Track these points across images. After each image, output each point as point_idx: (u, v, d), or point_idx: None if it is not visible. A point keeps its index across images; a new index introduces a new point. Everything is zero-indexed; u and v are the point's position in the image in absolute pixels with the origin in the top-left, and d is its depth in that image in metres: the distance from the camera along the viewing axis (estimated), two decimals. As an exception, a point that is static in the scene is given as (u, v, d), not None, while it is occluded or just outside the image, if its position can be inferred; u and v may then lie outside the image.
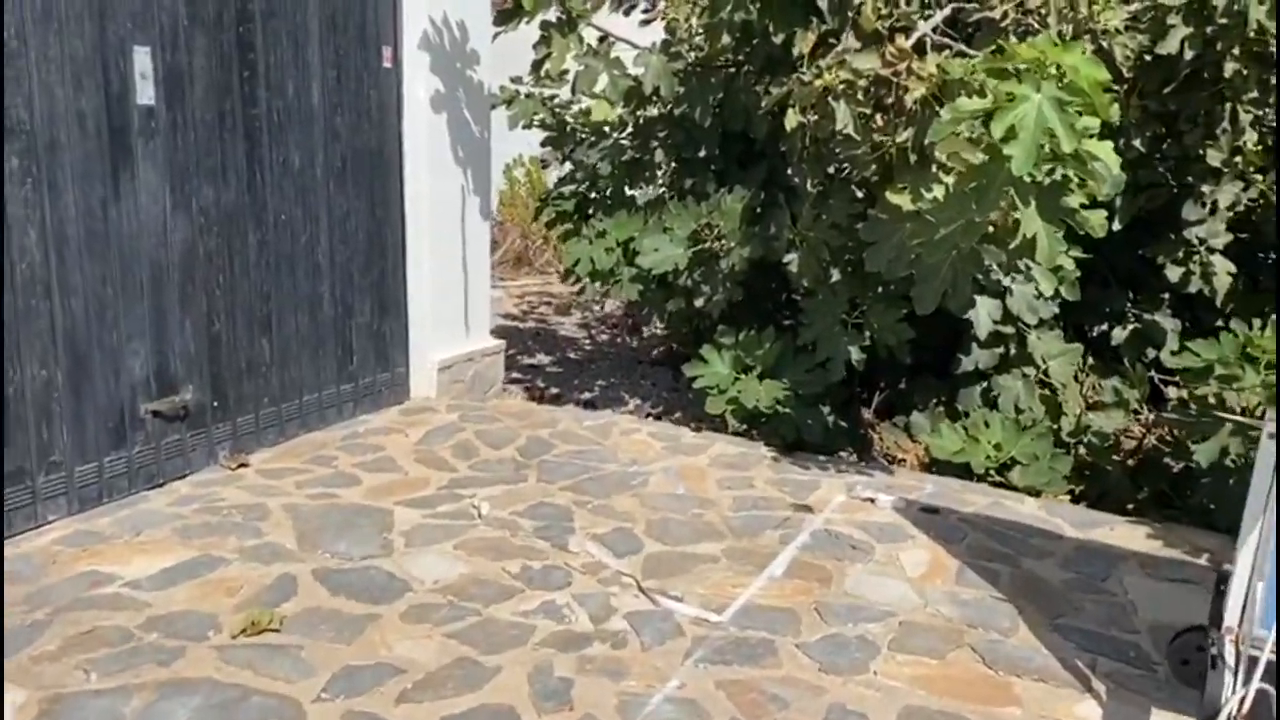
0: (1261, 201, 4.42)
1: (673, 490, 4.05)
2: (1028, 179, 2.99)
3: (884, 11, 4.09)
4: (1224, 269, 4.68)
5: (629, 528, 3.64)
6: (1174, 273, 4.87)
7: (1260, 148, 4.24)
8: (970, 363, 4.90)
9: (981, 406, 4.89)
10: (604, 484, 4.08)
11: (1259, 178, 4.28)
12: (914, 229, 3.62)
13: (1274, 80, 4.00)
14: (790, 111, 3.98)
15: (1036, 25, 3.97)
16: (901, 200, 3.82)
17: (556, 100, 5.52)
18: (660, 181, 5.16)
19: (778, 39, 4.32)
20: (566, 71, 4.81)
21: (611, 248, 5.26)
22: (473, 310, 5.30)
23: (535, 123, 5.59)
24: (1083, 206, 3.33)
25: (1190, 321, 5.14)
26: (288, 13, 4.12)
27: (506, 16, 4.52)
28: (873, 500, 3.99)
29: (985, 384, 4.95)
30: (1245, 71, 3.88)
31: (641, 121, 4.96)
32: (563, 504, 3.85)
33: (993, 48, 3.29)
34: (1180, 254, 4.75)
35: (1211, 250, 4.69)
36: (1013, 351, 4.87)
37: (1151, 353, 5.13)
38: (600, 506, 3.83)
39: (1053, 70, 2.91)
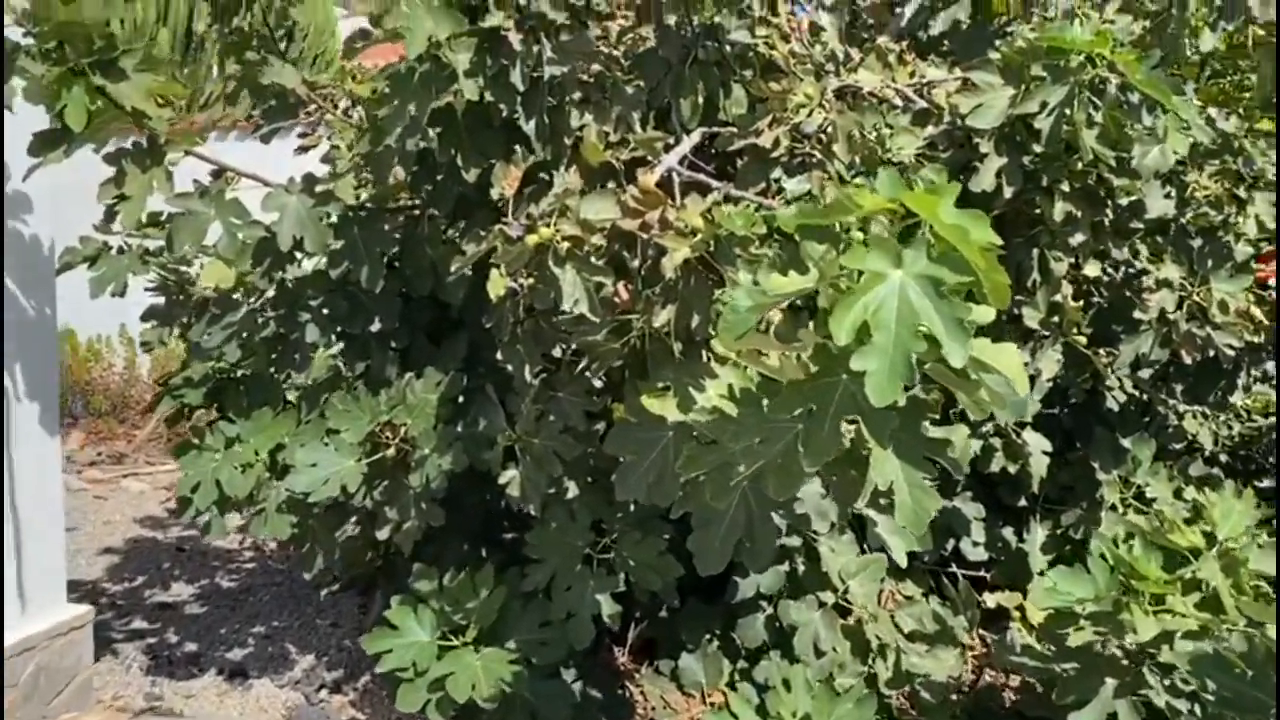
0: (1090, 376, 3.61)
1: None
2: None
3: (614, 138, 2.91)
4: (1038, 447, 3.81)
5: None
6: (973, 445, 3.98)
7: (1080, 304, 3.40)
8: (750, 586, 3.71)
9: (770, 647, 3.69)
10: None
11: (1081, 339, 3.43)
12: (685, 450, 2.37)
13: (1104, 221, 3.18)
14: (494, 274, 2.68)
15: (819, 155, 2.93)
16: (661, 407, 2.59)
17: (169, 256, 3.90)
18: (318, 368, 3.66)
19: (470, 174, 3.03)
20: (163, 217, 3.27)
21: (250, 463, 3.67)
22: (30, 572, 3.49)
23: (146, 285, 3.94)
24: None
25: (994, 506, 4.28)
26: None
27: (47, 143, 2.94)
28: None
29: (771, 610, 3.78)
30: (1078, 213, 3.01)
31: (288, 284, 3.48)
32: None
33: (805, 189, 2.15)
34: (987, 427, 3.85)
35: (1021, 424, 3.82)
36: (801, 568, 3.74)
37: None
38: None
39: (926, 232, 1.78)
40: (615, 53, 3.08)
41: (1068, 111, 2.84)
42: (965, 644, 3.59)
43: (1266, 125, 4.15)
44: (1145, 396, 4.15)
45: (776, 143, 2.89)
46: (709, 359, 2.62)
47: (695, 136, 3.09)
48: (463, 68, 2.79)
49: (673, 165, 2.93)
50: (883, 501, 2.32)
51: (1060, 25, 2.87)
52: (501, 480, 3.25)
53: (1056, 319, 3.41)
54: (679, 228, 2.36)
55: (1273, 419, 4.46)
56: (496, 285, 2.70)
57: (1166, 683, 2.71)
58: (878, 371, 1.74)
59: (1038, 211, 3.16)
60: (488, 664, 3.31)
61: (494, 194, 2.74)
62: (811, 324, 1.91)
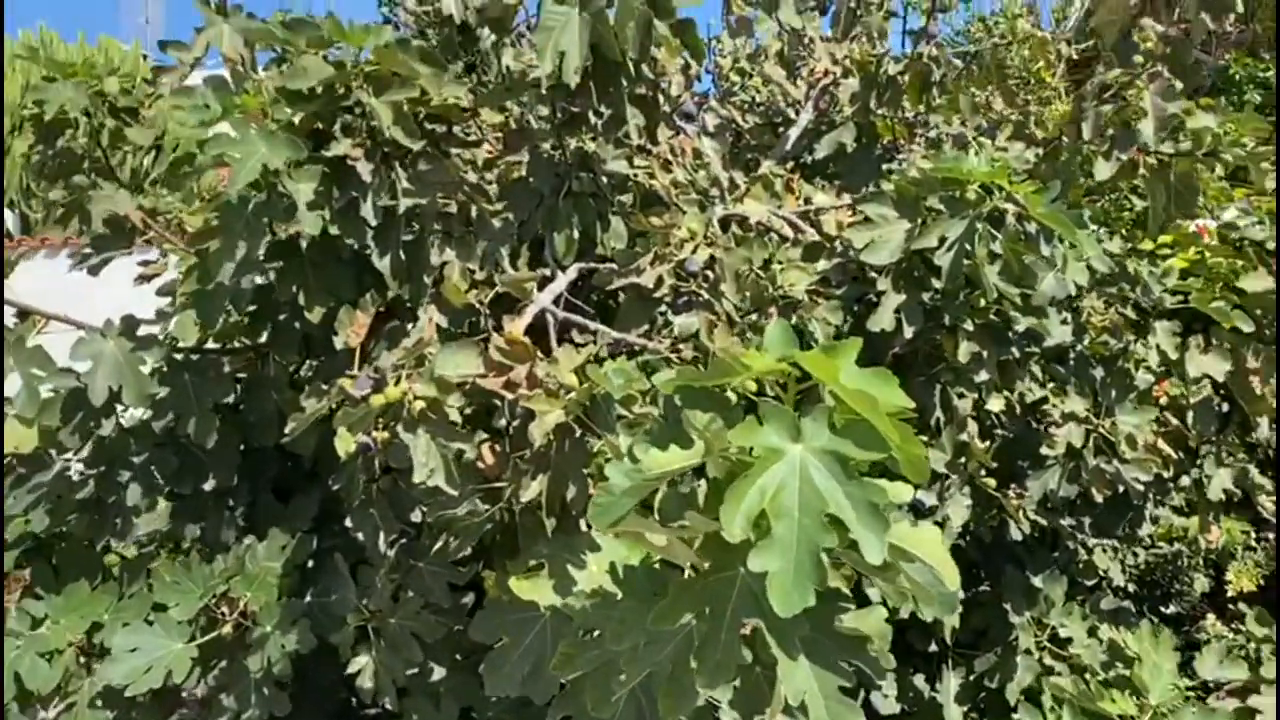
0: (997, 512, 3.38)
1: None
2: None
3: (480, 275, 2.61)
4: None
5: None
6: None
7: (988, 444, 3.19)
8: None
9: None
10: None
11: (990, 481, 3.21)
12: (562, 646, 2.00)
13: (1011, 358, 2.99)
14: (342, 431, 2.30)
15: (705, 294, 2.67)
16: (533, 590, 2.23)
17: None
18: (142, 533, 3.17)
19: (314, 315, 2.67)
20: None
21: (59, 648, 3.13)
22: None
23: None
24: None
25: (904, 653, 3.99)
26: None
27: None
28: None
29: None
30: (983, 352, 2.81)
31: (106, 440, 3.02)
32: None
33: (694, 327, 1.86)
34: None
35: (929, 568, 3.56)
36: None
37: None
38: None
39: (827, 396, 1.50)
40: (482, 182, 2.79)
41: (968, 246, 2.66)
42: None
43: (1148, 245, 4.11)
44: (1053, 530, 3.96)
45: (660, 281, 2.62)
46: (589, 528, 2.28)
47: (571, 273, 2.81)
48: (305, 199, 2.46)
49: (546, 305, 2.63)
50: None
51: (954, 155, 2.72)
52: (351, 668, 2.80)
53: (963, 460, 3.19)
54: (549, 386, 2.05)
55: (1177, 546, 4.31)
56: (345, 442, 2.32)
57: None
58: (781, 573, 1.43)
59: (940, 350, 2.97)
60: None
61: (337, 343, 2.38)
62: (703, 502, 1.60)
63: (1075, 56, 5.14)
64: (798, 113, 3.91)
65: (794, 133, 3.83)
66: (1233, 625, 4.09)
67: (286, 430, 2.39)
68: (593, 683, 1.94)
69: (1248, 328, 3.35)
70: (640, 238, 2.77)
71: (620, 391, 1.98)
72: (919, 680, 4.04)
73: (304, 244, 2.66)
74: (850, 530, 1.43)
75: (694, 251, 2.60)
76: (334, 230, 2.53)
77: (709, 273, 2.65)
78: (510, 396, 2.09)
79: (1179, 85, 3.09)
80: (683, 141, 3.45)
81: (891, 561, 1.58)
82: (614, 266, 2.73)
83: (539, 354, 2.14)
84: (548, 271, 2.80)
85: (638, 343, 2.53)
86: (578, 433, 2.08)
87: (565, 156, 2.86)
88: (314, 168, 2.48)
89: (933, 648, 3.96)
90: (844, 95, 3.81)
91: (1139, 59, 3.17)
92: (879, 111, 3.81)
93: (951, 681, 3.98)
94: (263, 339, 3.12)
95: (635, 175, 2.88)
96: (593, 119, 2.67)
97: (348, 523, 2.70)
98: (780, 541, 1.43)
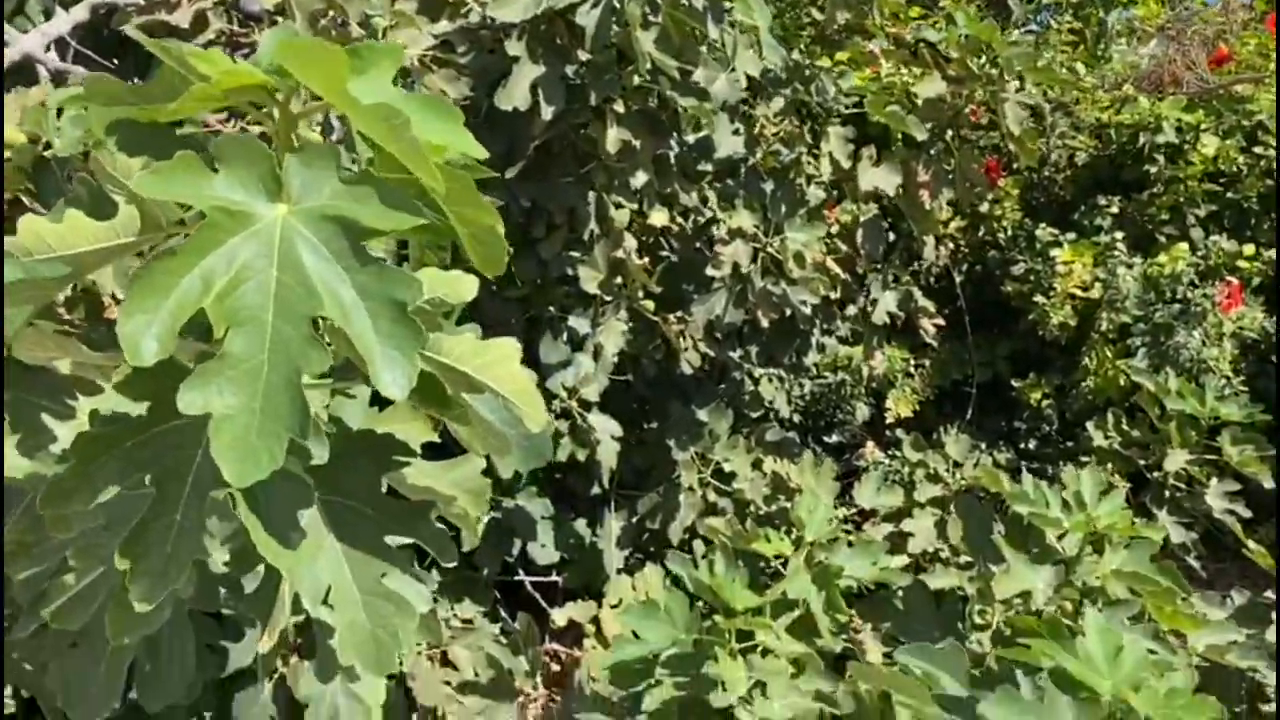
0: (661, 343, 2.98)
1: None
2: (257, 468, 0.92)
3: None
4: (608, 432, 3.17)
5: None
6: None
7: (646, 261, 2.76)
8: (245, 650, 2.72)
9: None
10: None
11: (649, 305, 2.80)
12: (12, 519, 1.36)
13: (668, 156, 2.52)
14: None
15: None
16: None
17: None
18: None
19: None
20: None
21: None
22: None
23: None
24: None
25: (563, 499, 3.62)
26: None
27: None
28: None
29: (275, 678, 2.81)
30: (636, 142, 2.31)
31: None
32: None
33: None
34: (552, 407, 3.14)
35: (587, 405, 3.15)
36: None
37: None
38: None
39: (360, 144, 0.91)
40: None
41: (617, 5, 2.11)
42: (527, 693, 2.88)
43: (826, 62, 3.80)
44: (721, 360, 3.69)
45: (201, 21, 1.87)
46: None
47: (80, 11, 1.99)
48: None
49: (34, 51, 1.82)
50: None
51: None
52: None
53: (620, 279, 2.74)
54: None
55: (841, 376, 4.22)
56: None
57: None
58: (231, 418, 0.85)
59: (591, 141, 2.45)
60: None
61: None
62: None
63: None
64: None
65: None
66: (889, 452, 4.07)
67: None
68: (52, 583, 1.32)
69: (921, 135, 3.11)
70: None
71: (74, 147, 1.28)
72: (580, 525, 3.72)
73: None
74: (357, 343, 0.87)
75: (246, -17, 1.87)
76: None
77: (278, 17, 1.93)
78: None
79: None
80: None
81: (450, 393, 1.05)
82: (139, 3, 1.94)
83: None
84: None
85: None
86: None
87: None
88: None
89: (595, 491, 3.63)
90: None
91: None
92: None
93: (613, 525, 3.68)
94: None
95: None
96: None
97: None
98: (238, 363, 0.85)
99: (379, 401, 1.29)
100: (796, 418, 4.24)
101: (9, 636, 2.24)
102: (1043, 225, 4.31)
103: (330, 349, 0.88)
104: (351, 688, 2.66)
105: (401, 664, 2.78)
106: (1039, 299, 4.11)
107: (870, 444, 4.10)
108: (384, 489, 1.20)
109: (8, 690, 2.28)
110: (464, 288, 1.05)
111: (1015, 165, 4.39)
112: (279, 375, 0.85)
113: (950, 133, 3.38)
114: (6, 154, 1.33)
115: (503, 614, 3.38)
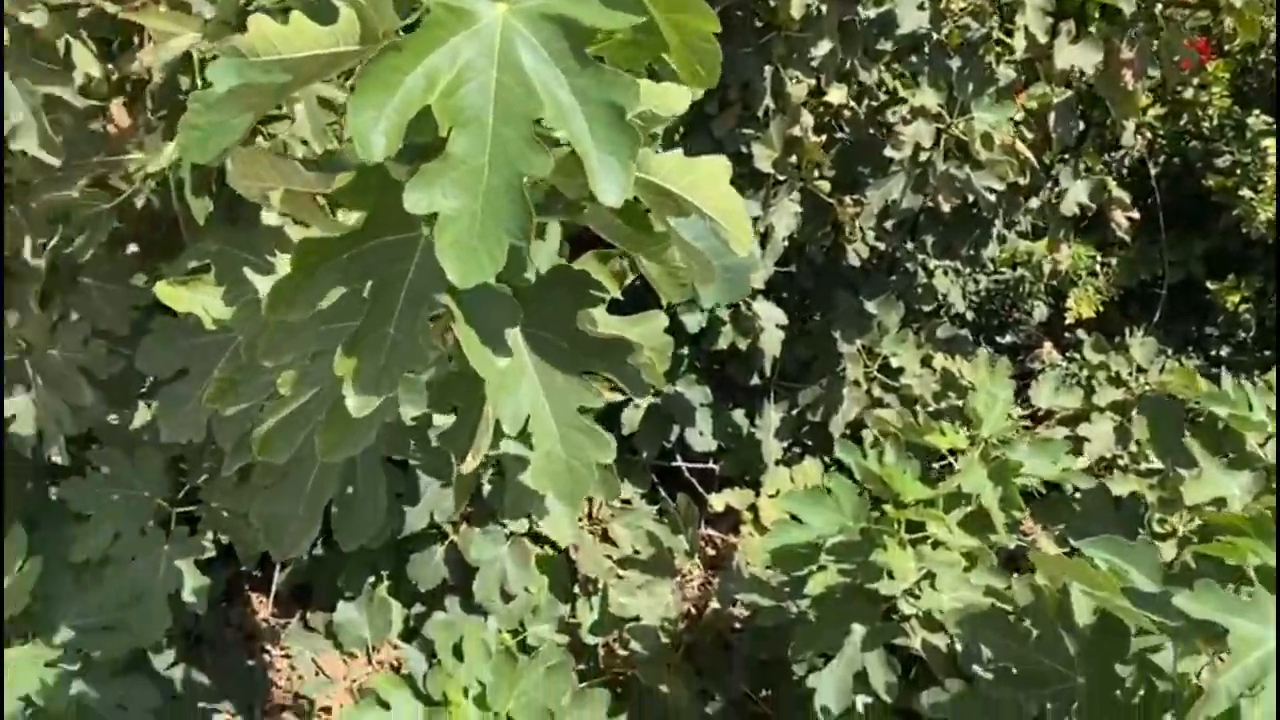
0: (831, 229, 2.88)
1: None
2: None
3: None
4: (771, 320, 3.12)
5: None
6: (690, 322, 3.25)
7: (823, 139, 2.65)
8: (421, 514, 2.84)
9: (451, 589, 2.87)
10: None
11: (824, 185, 2.70)
12: (217, 374, 1.43)
13: (855, 23, 2.39)
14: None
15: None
16: (190, 299, 1.61)
17: None
18: None
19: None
20: None
21: None
22: None
23: None
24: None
25: (722, 387, 3.60)
26: None
27: None
28: None
29: (447, 543, 2.94)
30: (821, 7, 2.20)
31: None
32: None
33: None
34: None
35: (751, 292, 3.10)
36: (488, 487, 2.90)
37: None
38: None
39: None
40: None
41: None
42: (686, 572, 2.92)
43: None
44: (893, 251, 3.55)
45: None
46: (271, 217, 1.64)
47: None
48: None
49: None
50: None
51: None
52: (8, 413, 2.14)
53: (794, 159, 2.64)
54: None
55: (1020, 272, 4.01)
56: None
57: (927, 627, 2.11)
58: (457, 217, 0.84)
59: (771, 9, 2.34)
60: (20, 667, 2.27)
61: None
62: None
63: None
64: None
65: None
66: (1068, 354, 3.87)
67: None
68: (275, 419, 1.36)
69: (1128, 8, 2.86)
70: None
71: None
72: (738, 415, 3.69)
73: None
74: (577, 148, 0.84)
75: None
76: None
77: None
78: (118, 11, 1.37)
79: None
80: None
81: (657, 216, 1.01)
82: None
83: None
84: None
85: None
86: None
87: None
88: None
89: (755, 381, 3.59)
90: None
91: None
92: None
93: (773, 415, 3.64)
94: None
95: None
96: None
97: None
98: (460, 164, 0.83)
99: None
100: (970, 314, 4.06)
101: (212, 483, 2.40)
102: (1256, 112, 3.95)
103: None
104: (519, 550, 2.76)
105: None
106: (1245, 193, 3.79)
107: (1047, 344, 3.91)
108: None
109: (208, 536, 2.47)
110: (675, 99, 1.01)
111: (1226, 47, 4.01)
112: (500, 178, 0.83)
113: (1161, 6, 3.11)
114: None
115: (662, 494, 3.41)
